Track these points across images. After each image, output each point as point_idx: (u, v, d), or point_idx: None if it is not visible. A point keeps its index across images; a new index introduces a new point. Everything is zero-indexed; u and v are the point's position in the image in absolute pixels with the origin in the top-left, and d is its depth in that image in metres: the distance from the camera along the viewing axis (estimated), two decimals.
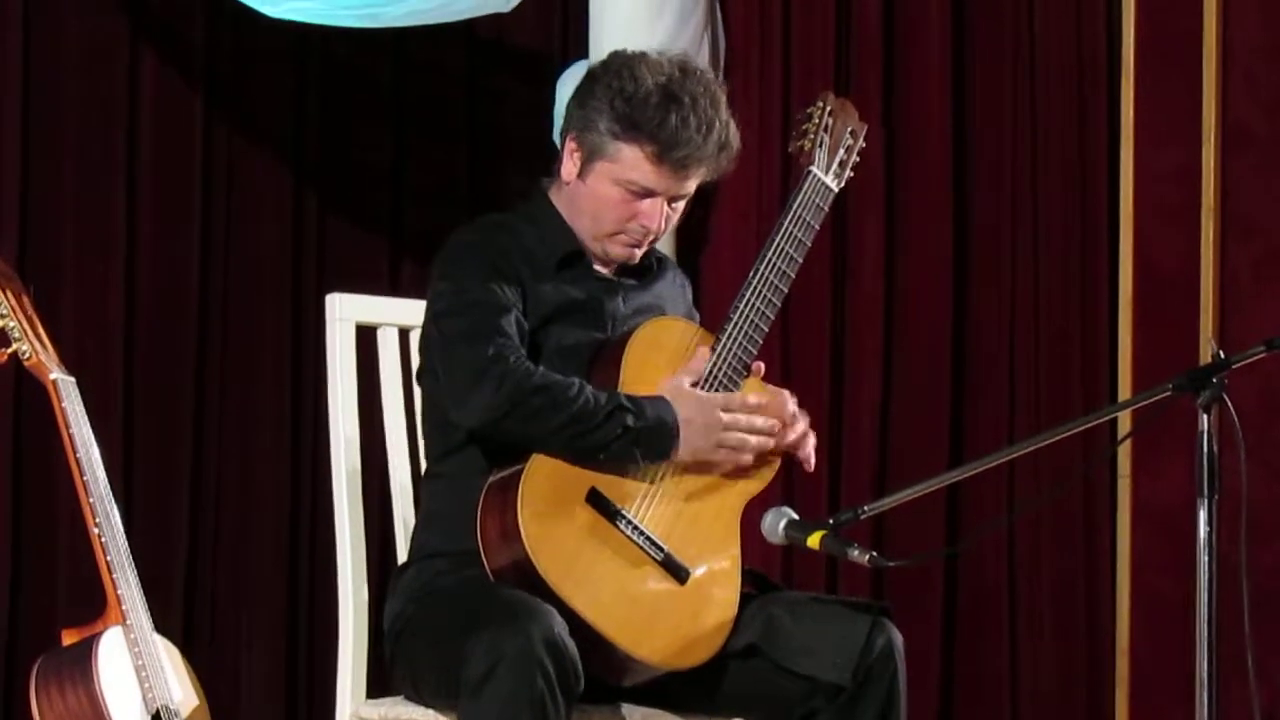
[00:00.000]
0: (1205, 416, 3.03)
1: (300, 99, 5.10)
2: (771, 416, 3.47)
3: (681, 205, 3.55)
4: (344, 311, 3.70)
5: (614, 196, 3.49)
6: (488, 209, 3.70)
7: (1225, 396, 3.04)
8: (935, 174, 5.14)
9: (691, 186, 3.52)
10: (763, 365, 3.54)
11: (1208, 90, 4.82)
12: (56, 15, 4.81)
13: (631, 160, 3.47)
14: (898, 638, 3.41)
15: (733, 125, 3.52)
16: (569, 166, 3.54)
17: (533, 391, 3.33)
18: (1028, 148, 5.08)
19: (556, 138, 3.70)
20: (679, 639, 3.33)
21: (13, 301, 3.66)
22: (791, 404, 3.52)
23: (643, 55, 3.54)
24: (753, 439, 3.43)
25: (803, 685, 3.38)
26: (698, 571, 3.38)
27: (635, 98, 3.45)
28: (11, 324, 3.65)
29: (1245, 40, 4.81)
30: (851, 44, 5.20)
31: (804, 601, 3.46)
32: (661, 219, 3.51)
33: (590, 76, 3.54)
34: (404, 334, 3.75)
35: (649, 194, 3.48)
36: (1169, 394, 3.08)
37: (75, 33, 4.83)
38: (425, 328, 3.53)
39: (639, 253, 3.57)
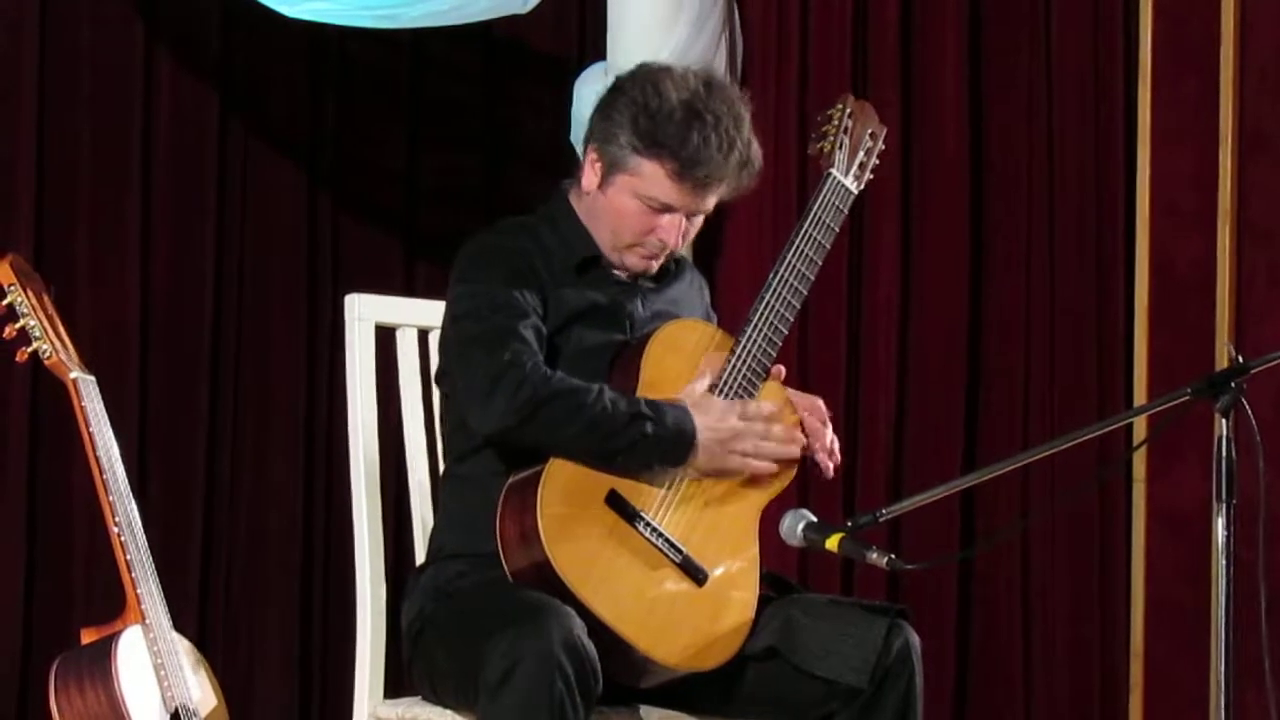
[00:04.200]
0: (1223, 421, 3.03)
1: (316, 100, 5.10)
2: (805, 418, 3.48)
3: (700, 220, 3.56)
4: (363, 312, 3.70)
5: (633, 209, 3.50)
6: (503, 211, 3.71)
7: (1243, 401, 3.04)
8: (952, 178, 5.14)
9: (711, 204, 3.53)
10: (783, 369, 3.55)
11: (1225, 93, 4.81)
12: (72, 16, 4.81)
13: (652, 176, 3.47)
14: (915, 640, 3.41)
15: (755, 143, 3.52)
16: (590, 177, 3.54)
17: (549, 398, 3.33)
18: (1044, 151, 5.08)
19: (574, 140, 3.71)
20: (697, 641, 3.34)
21: (33, 300, 3.66)
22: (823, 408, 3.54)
23: (668, 69, 3.54)
24: (767, 448, 3.43)
25: (820, 687, 3.38)
26: (716, 573, 3.39)
27: (659, 114, 3.45)
28: (32, 323, 3.65)
29: (1263, 43, 4.80)
30: (868, 47, 5.20)
31: (822, 604, 3.47)
32: (679, 235, 3.51)
33: (615, 88, 3.54)
34: (423, 335, 3.76)
35: (668, 209, 3.49)
36: (1187, 398, 3.08)
37: (90, 33, 4.84)
38: (444, 330, 3.54)
39: (655, 265, 3.57)
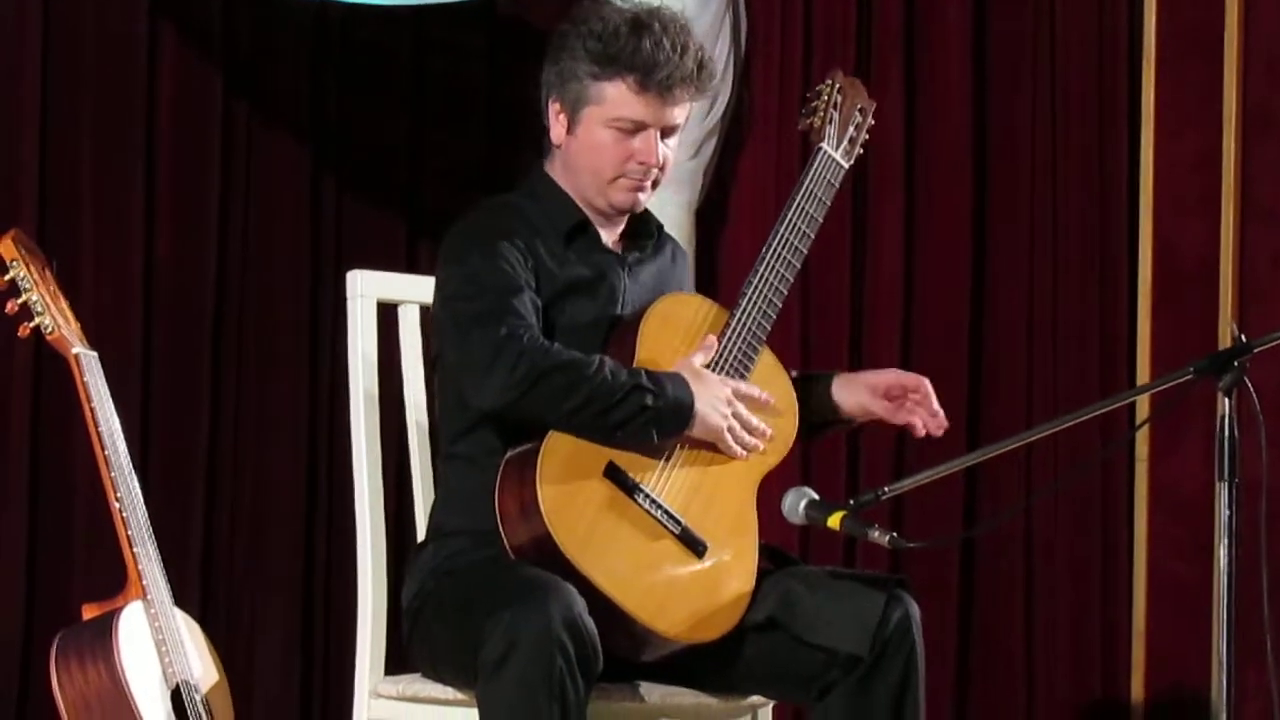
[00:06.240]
0: (1226, 400, 3.03)
1: (319, 77, 5.10)
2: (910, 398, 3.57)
3: (675, 141, 3.56)
4: (365, 288, 3.70)
5: (607, 140, 3.51)
6: (505, 188, 3.71)
7: (1246, 381, 3.04)
8: (955, 157, 5.14)
9: (679, 115, 3.53)
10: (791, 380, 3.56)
11: (1229, 76, 4.81)
12: None
13: (616, 96, 3.48)
14: (914, 610, 3.42)
15: (707, 50, 3.56)
16: (557, 130, 3.55)
17: (549, 371, 3.33)
18: (1048, 132, 5.07)
19: None
20: (697, 612, 3.34)
21: (35, 276, 3.67)
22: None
23: (605, 1, 3.59)
24: (746, 438, 3.44)
25: (820, 657, 3.38)
26: (715, 545, 3.39)
27: (606, 34, 3.48)
28: (34, 298, 3.66)
29: (1267, 26, 4.80)
30: (873, 25, 5.19)
31: (820, 575, 3.47)
32: (658, 154, 3.51)
33: (558, 35, 3.56)
34: (425, 311, 3.74)
35: (640, 127, 3.49)
36: (1190, 378, 3.08)
37: (94, 9, 4.83)
38: (436, 312, 3.53)
39: (644, 198, 3.57)
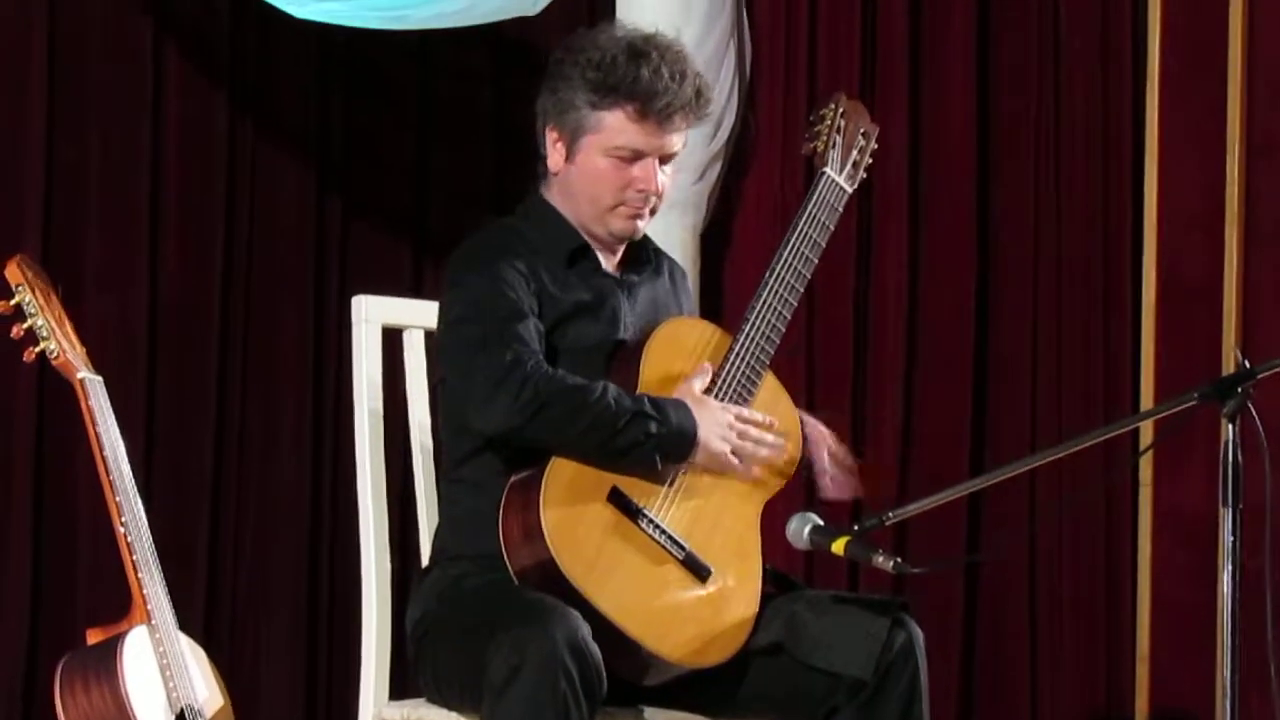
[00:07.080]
0: (1230, 426, 3.03)
1: (325, 100, 5.10)
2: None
3: (671, 168, 3.57)
4: (370, 313, 3.71)
5: (605, 168, 3.52)
6: (512, 211, 3.71)
7: (1250, 406, 3.04)
8: (959, 179, 5.14)
9: (678, 142, 3.55)
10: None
11: (1233, 100, 4.81)
12: (80, 15, 4.81)
13: (615, 125, 3.50)
14: (918, 633, 3.42)
15: (705, 76, 3.58)
16: (555, 158, 3.56)
17: (553, 397, 3.34)
18: (1052, 154, 5.08)
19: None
20: (701, 637, 3.35)
21: (41, 300, 3.67)
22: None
23: (601, 27, 3.60)
24: (760, 453, 3.44)
25: (825, 682, 3.39)
26: (719, 570, 3.40)
27: (604, 63, 3.49)
28: (40, 322, 3.66)
29: (1270, 50, 4.81)
30: (877, 47, 5.21)
31: (824, 599, 3.48)
32: (656, 181, 3.53)
33: (555, 62, 3.57)
34: (430, 336, 3.76)
35: (639, 155, 3.51)
36: (1194, 403, 3.08)
37: (99, 32, 4.84)
38: (441, 336, 3.54)
39: (642, 225, 3.59)
